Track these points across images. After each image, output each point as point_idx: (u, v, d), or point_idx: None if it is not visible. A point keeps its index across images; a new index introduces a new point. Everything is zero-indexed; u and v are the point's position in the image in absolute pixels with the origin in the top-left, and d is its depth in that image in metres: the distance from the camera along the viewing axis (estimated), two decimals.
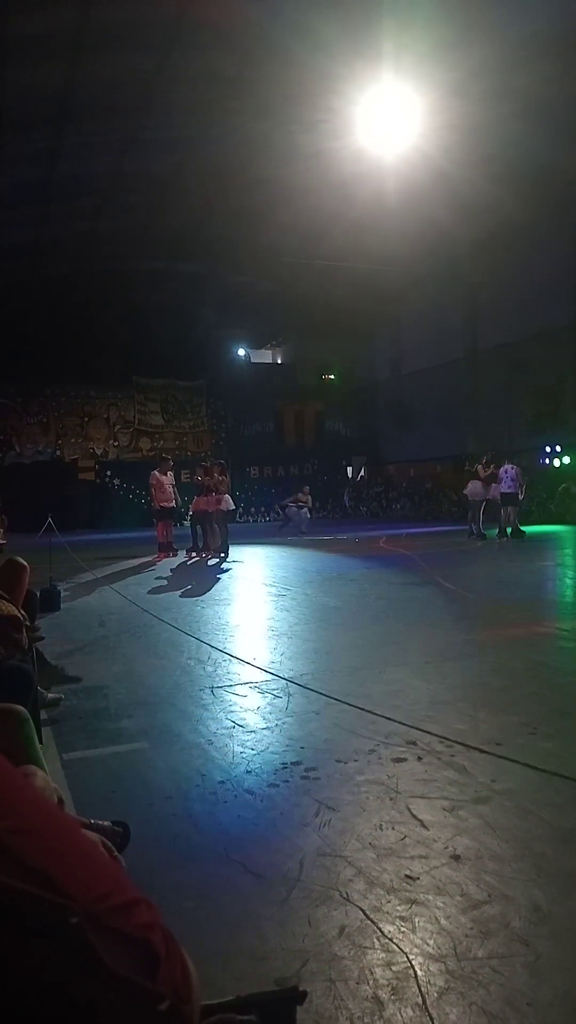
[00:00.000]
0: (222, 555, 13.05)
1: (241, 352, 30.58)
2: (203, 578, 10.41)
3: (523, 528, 14.48)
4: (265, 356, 32.08)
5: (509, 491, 14.13)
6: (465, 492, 14.92)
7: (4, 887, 0.54)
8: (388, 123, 14.04)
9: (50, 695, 4.22)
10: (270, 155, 15.97)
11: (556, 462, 19.55)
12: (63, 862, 0.59)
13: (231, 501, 14.05)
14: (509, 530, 14.15)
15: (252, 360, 31.06)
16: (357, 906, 2.10)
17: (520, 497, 14.48)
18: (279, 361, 32.09)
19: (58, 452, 25.81)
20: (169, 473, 14.04)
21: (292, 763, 3.21)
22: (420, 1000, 1.70)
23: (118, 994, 0.56)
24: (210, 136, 15.36)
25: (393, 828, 2.57)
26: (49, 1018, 0.55)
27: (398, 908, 2.08)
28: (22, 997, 0.54)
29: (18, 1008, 0.54)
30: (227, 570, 11.18)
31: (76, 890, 0.57)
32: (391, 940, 1.94)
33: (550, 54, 12.37)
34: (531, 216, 18.28)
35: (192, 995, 0.62)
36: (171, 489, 13.87)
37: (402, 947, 1.90)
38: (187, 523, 15.17)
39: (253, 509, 26.94)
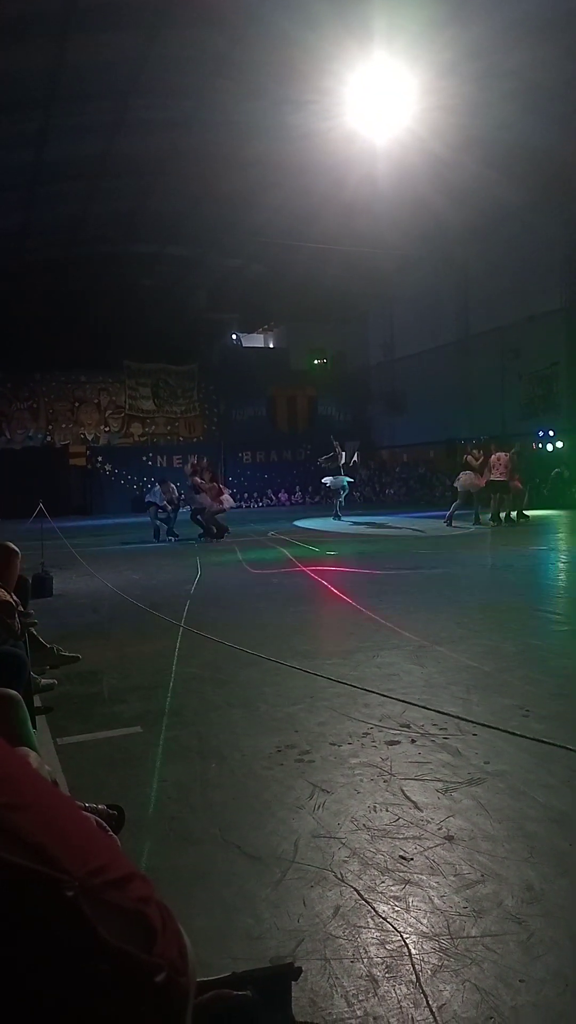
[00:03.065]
0: (219, 537, 13.17)
1: (233, 336, 30.42)
2: (195, 564, 10.40)
3: (523, 513, 14.46)
4: (257, 340, 31.93)
5: (500, 479, 14.14)
6: (456, 484, 14.78)
7: (1, 862, 0.54)
8: (380, 104, 13.91)
9: (44, 680, 4.23)
10: (261, 136, 15.82)
11: (549, 447, 19.58)
12: (59, 837, 0.59)
13: (231, 499, 14.08)
14: (503, 515, 14.17)
15: (244, 344, 30.90)
16: (351, 886, 2.12)
17: (511, 483, 14.40)
18: (271, 345, 31.95)
19: (48, 438, 25.66)
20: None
21: (287, 746, 3.22)
22: (414, 978, 1.72)
23: (114, 966, 0.57)
24: (200, 117, 15.20)
25: (387, 810, 2.59)
26: (45, 990, 0.55)
27: (392, 888, 2.10)
28: (16, 970, 0.54)
29: (13, 981, 0.54)
30: (219, 555, 11.17)
31: (72, 864, 0.58)
32: (385, 919, 1.96)
33: (543, 35, 12.27)
34: (524, 199, 18.17)
35: (188, 968, 0.62)
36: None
37: (396, 926, 1.92)
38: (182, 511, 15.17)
39: (246, 495, 26.88)
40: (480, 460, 14.38)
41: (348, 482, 17.28)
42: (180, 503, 14.26)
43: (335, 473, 17.01)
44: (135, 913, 0.60)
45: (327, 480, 17.34)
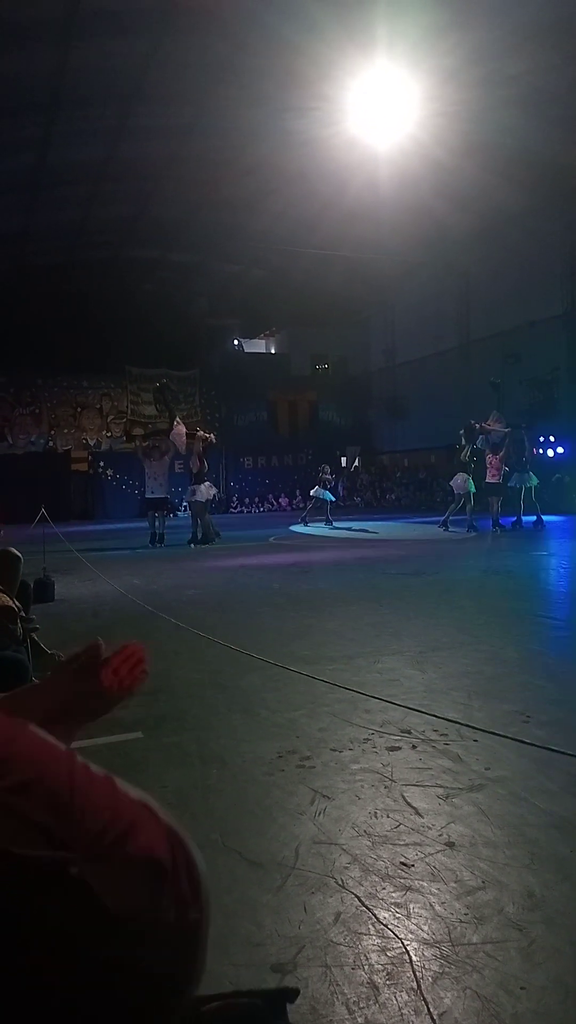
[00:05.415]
0: (203, 544, 13.04)
1: (235, 342, 30.47)
2: (195, 568, 10.40)
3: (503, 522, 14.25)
4: (258, 345, 31.99)
5: (493, 481, 14.09)
6: (451, 484, 14.73)
7: (5, 855, 0.55)
8: (382, 110, 13.97)
9: None
10: (262, 143, 15.89)
11: (550, 452, 19.57)
12: (63, 810, 0.60)
13: (204, 490, 13.53)
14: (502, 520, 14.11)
15: (245, 349, 30.95)
16: (352, 893, 2.11)
17: (501, 481, 14.27)
18: (272, 350, 32.00)
19: (51, 443, 25.69)
20: (166, 457, 13.88)
21: (288, 752, 3.22)
22: (415, 985, 1.72)
23: (124, 934, 0.58)
24: (202, 123, 15.27)
25: (388, 816, 2.58)
26: (55, 971, 0.55)
27: (393, 895, 2.10)
28: (28, 956, 0.55)
29: (24, 967, 0.55)
30: (219, 560, 11.17)
31: (76, 837, 0.59)
32: (386, 926, 1.95)
33: (544, 41, 12.32)
34: (525, 205, 18.23)
35: (201, 896, 0.62)
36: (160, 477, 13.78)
37: (397, 933, 1.92)
38: (181, 513, 15.09)
39: (247, 500, 26.90)
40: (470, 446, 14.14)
41: (331, 499, 17.45)
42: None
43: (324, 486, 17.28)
44: (142, 860, 0.60)
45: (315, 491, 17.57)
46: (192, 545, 13.15)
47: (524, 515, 14.36)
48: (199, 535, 13.34)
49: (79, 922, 0.56)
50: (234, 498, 26.77)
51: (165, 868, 0.61)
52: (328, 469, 17.81)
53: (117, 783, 0.68)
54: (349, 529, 15.73)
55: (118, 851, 0.60)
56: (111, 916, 0.57)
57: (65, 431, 26.01)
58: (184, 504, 18.75)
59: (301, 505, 26.37)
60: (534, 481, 14.51)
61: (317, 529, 16.28)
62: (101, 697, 1.02)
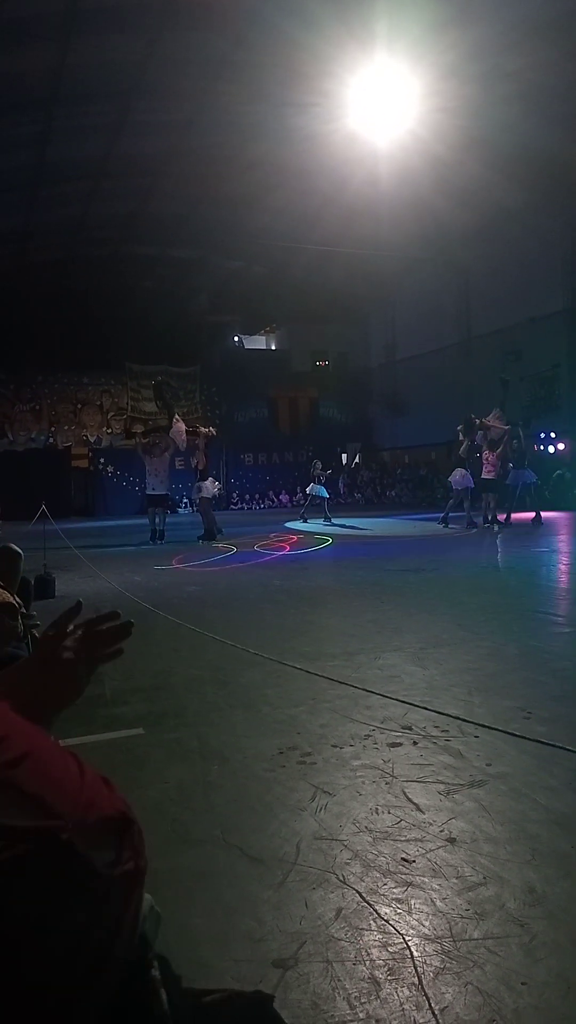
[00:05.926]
0: (209, 540, 13.05)
1: (235, 338, 30.44)
2: (196, 565, 10.40)
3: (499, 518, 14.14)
4: (259, 342, 31.96)
5: (489, 477, 14.07)
6: (450, 479, 14.70)
7: (7, 830, 0.57)
8: (382, 106, 13.95)
9: None
10: (262, 139, 15.87)
11: (551, 448, 19.55)
12: (52, 781, 0.65)
13: (209, 486, 13.62)
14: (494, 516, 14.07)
15: (246, 346, 30.92)
16: (354, 888, 2.12)
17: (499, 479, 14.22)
18: (273, 347, 31.97)
19: (51, 439, 25.68)
20: (166, 454, 13.91)
21: (288, 748, 3.22)
22: (416, 980, 1.72)
23: (107, 893, 0.63)
24: (202, 119, 15.24)
25: (389, 812, 2.59)
26: (47, 937, 0.59)
27: (394, 890, 2.10)
28: (26, 927, 0.58)
29: (25, 937, 0.58)
30: (220, 556, 11.18)
31: (63, 806, 0.63)
32: (387, 922, 1.95)
33: (544, 37, 12.29)
34: (525, 201, 18.20)
35: (143, 847, 0.69)
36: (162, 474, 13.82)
37: (398, 928, 1.92)
38: (181, 510, 15.09)
39: (247, 496, 26.90)
40: (466, 443, 14.08)
41: (324, 495, 17.51)
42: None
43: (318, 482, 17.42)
44: (115, 817, 0.67)
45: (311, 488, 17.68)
46: (200, 541, 13.18)
47: (522, 511, 14.34)
48: (215, 530, 13.39)
49: (68, 879, 0.61)
50: (234, 495, 26.77)
51: (129, 821, 0.68)
52: (320, 465, 17.84)
53: (77, 755, 0.74)
54: (344, 526, 15.72)
55: (94, 812, 0.66)
56: (95, 872, 0.62)
57: (65, 428, 26.00)
58: (185, 501, 18.75)
59: (302, 501, 26.45)
60: (532, 478, 14.52)
61: (315, 526, 16.29)
62: (67, 664, 1.02)
